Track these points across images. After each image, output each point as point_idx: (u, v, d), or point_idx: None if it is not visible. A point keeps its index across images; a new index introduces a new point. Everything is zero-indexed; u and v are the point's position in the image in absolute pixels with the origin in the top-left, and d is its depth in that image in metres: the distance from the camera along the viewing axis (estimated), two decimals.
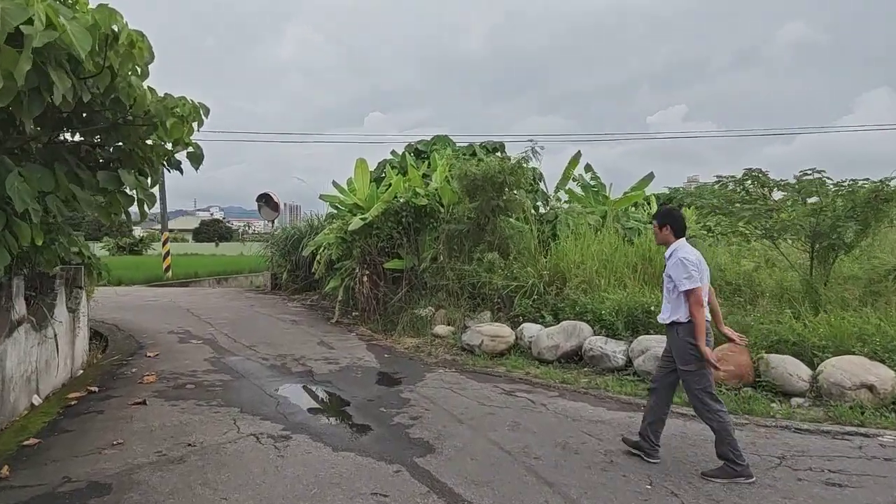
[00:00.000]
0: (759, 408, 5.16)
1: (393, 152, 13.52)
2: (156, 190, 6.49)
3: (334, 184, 11.56)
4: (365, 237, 9.82)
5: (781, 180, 7.52)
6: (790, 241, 8.24)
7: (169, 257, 18.27)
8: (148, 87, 5.35)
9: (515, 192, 9.16)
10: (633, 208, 12.63)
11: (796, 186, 7.01)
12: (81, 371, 6.78)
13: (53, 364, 6.01)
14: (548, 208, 11.78)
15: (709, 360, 3.64)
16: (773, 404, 5.33)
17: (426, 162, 11.78)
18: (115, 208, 5.80)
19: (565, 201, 12.43)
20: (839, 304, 6.79)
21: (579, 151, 12.44)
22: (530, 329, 7.33)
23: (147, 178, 6.44)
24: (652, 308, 6.60)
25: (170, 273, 17.85)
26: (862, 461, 3.99)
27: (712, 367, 3.68)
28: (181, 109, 5.13)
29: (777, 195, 7.79)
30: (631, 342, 6.41)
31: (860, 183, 7.02)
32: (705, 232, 12.93)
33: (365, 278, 9.81)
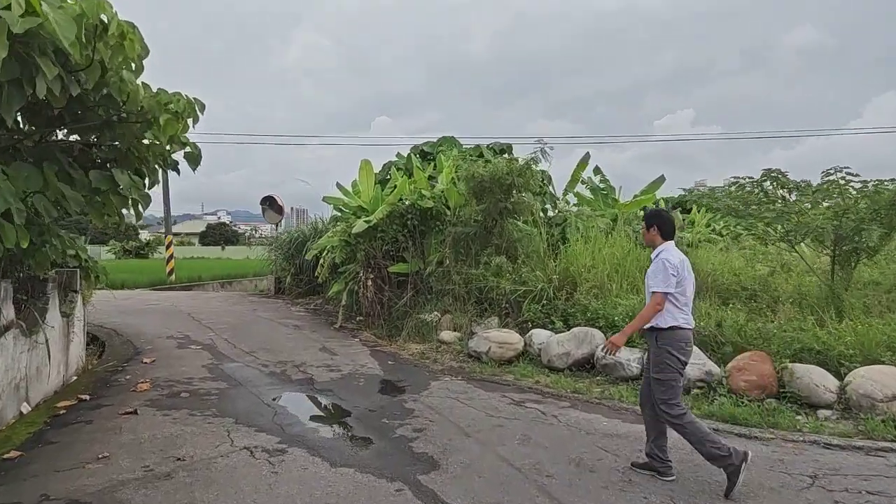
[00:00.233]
0: (785, 421, 4.85)
1: (398, 154, 13.30)
2: (159, 192, 6.26)
3: (338, 186, 11.34)
4: (369, 240, 9.58)
5: (802, 181, 7.22)
6: (810, 245, 7.94)
7: (172, 261, 18.10)
8: (142, 82, 5.15)
9: (524, 194, 8.90)
10: (642, 212, 12.33)
11: (821, 187, 6.69)
12: (75, 378, 6.56)
13: (45, 371, 5.79)
14: (556, 211, 11.51)
15: (615, 343, 3.75)
16: (799, 417, 5.03)
17: (432, 164, 11.54)
18: (108, 209, 5.59)
19: (574, 204, 12.16)
20: (862, 311, 6.48)
21: (588, 153, 12.17)
22: (540, 335, 7.05)
23: (144, 179, 6.24)
24: None
25: (173, 277, 17.68)
26: None
27: (610, 346, 3.78)
28: (175, 105, 4.90)
29: (790, 197, 7.50)
30: (646, 350, 6.11)
31: (885, 183, 6.71)
32: (718, 236, 12.68)
33: (369, 282, 9.57)
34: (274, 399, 5.45)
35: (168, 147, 5.94)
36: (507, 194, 8.66)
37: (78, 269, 7.18)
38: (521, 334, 7.28)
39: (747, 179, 7.39)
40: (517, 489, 3.51)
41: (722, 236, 12.85)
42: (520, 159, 8.95)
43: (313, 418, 4.98)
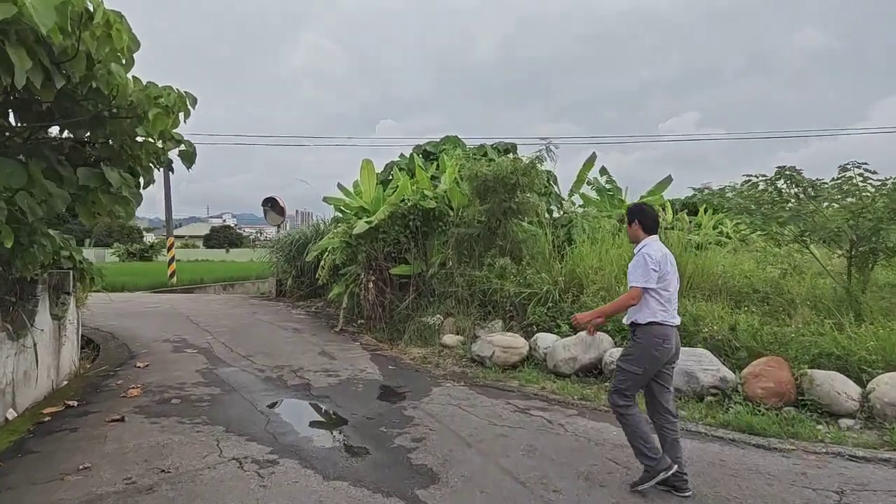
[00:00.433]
0: (805, 431, 4.59)
1: (402, 155, 13.09)
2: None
3: (339, 186, 11.13)
4: (371, 241, 9.36)
5: (817, 179, 6.96)
6: (819, 246, 7.68)
7: (174, 263, 17.95)
8: (133, 76, 4.96)
9: (528, 194, 8.67)
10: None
11: (837, 185, 6.43)
12: (66, 382, 6.37)
13: (33, 375, 5.60)
14: (562, 212, 11.28)
15: (577, 323, 3.75)
16: (820, 427, 4.76)
17: (435, 163, 11.32)
18: (99, 208, 5.40)
19: (579, 205, 11.93)
20: (881, 314, 6.20)
21: (594, 154, 11.97)
22: (545, 339, 6.81)
23: (138, 178, 6.05)
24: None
25: (174, 279, 17.52)
26: None
27: (583, 319, 3.73)
28: (166, 99, 4.70)
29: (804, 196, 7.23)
30: None
31: None
32: (726, 238, 12.38)
33: (370, 284, 9.35)
34: (268, 406, 5.23)
35: (161, 144, 5.76)
36: (512, 194, 8.43)
37: (71, 271, 7.00)
38: (525, 338, 7.04)
39: (760, 177, 7.13)
40: None
41: (729, 238, 12.57)
42: (524, 158, 8.73)
43: (308, 427, 4.75)
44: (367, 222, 9.12)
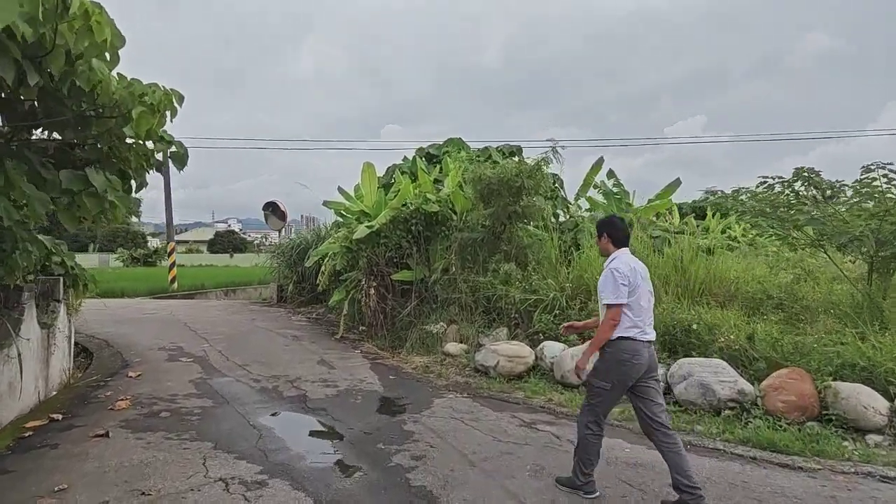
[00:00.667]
0: (831, 448, 4.30)
1: (405, 158, 12.87)
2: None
3: (340, 190, 10.90)
4: (372, 246, 9.12)
5: (836, 181, 6.67)
6: (844, 250, 7.39)
7: (174, 268, 17.76)
8: (118, 74, 4.74)
9: (534, 197, 8.40)
10: (654, 218, 11.79)
11: (860, 186, 6.14)
12: (55, 393, 6.14)
13: (18, 387, 5.36)
14: (568, 216, 11.01)
15: (580, 369, 3.53)
16: (846, 443, 4.47)
17: (438, 167, 11.08)
18: (83, 212, 5.17)
19: (586, 209, 11.66)
20: None
21: (602, 157, 11.69)
22: (552, 348, 6.53)
23: (130, 181, 5.84)
24: (693, 326, 5.77)
25: (175, 285, 17.32)
26: None
27: (581, 367, 3.54)
28: (150, 97, 4.47)
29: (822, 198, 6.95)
30: (670, 365, 5.57)
31: None
32: (734, 242, 12.08)
33: (372, 290, 9.10)
34: (261, 419, 4.97)
35: (151, 146, 5.55)
36: (517, 197, 8.17)
37: (61, 277, 6.78)
38: (531, 347, 6.77)
39: (777, 179, 6.84)
40: None
41: (738, 242, 12.29)
42: (530, 160, 8.47)
43: (301, 443, 4.48)
44: (368, 227, 8.88)
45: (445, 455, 4.16)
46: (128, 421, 4.88)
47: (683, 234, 10.03)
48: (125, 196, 5.18)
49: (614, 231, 3.60)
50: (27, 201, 4.52)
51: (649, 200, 11.74)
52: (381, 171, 11.95)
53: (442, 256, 8.82)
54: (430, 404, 5.54)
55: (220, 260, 44.77)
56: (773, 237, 7.58)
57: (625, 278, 3.35)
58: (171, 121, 4.77)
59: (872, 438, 4.53)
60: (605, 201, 11.71)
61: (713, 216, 14.12)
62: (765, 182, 6.99)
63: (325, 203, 10.67)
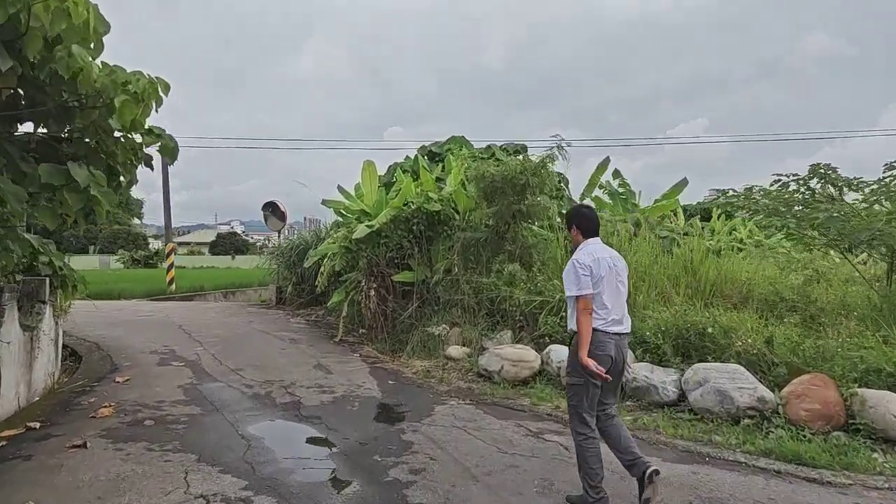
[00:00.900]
0: (860, 461, 4.00)
1: (407, 157, 12.60)
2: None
3: (339, 189, 10.62)
4: (372, 246, 8.85)
5: (855, 178, 6.38)
6: (857, 251, 7.11)
7: (172, 270, 17.50)
8: (102, 62, 4.48)
9: (539, 196, 8.11)
10: (658, 219, 11.49)
11: (884, 185, 5.84)
12: (37, 399, 5.87)
13: None
14: None
15: (589, 368, 3.18)
16: (876, 455, 4.17)
17: (440, 165, 10.81)
18: (66, 208, 4.90)
19: None
20: None
21: (608, 157, 11.42)
22: (559, 352, 6.22)
23: (119, 177, 5.58)
24: (709, 329, 5.47)
25: (173, 286, 17.06)
26: None
27: (600, 378, 3.20)
28: (134, 85, 4.21)
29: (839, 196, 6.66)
30: (683, 371, 5.28)
31: None
32: (740, 244, 11.79)
33: (372, 292, 8.82)
34: (250, 428, 4.69)
35: (139, 139, 5.29)
36: (521, 196, 7.88)
37: (47, 278, 6.51)
38: (537, 351, 6.47)
39: (792, 177, 6.55)
40: None
41: (744, 244, 12.01)
42: (535, 158, 8.18)
43: (292, 454, 4.19)
44: (368, 226, 8.61)
45: (446, 468, 3.87)
46: (109, 430, 4.60)
47: (689, 235, 9.76)
48: (109, 192, 4.90)
49: (583, 221, 3.56)
50: (2, 196, 4.26)
51: (655, 201, 11.45)
52: (383, 172, 11.70)
53: (444, 257, 8.54)
54: (430, 411, 5.25)
55: (221, 262, 44.57)
56: (785, 237, 7.28)
57: (586, 269, 3.30)
58: (157, 110, 4.51)
59: None
60: (610, 201, 11.43)
61: (718, 217, 13.83)
62: (779, 180, 6.69)
63: (324, 202, 10.39)
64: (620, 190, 11.77)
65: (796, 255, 9.11)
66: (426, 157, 11.47)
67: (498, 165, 8.05)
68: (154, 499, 3.31)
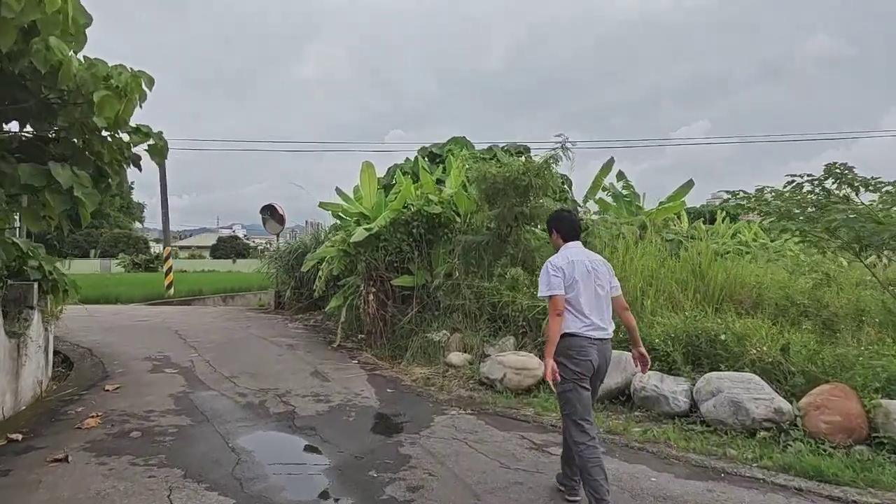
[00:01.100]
0: (887, 478, 3.75)
1: (407, 159, 12.41)
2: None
3: (337, 191, 10.42)
4: (371, 250, 8.63)
5: (872, 178, 6.14)
6: (874, 255, 6.87)
7: (171, 274, 17.32)
8: (84, 56, 4.30)
9: (542, 198, 7.89)
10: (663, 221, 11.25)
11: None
12: (23, 408, 5.66)
13: None
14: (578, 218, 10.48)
15: (547, 371, 3.21)
16: None
17: (441, 166, 10.60)
18: (48, 210, 4.71)
19: (594, 212, 11.15)
20: None
21: (612, 158, 11.18)
22: None
23: (108, 179, 5.39)
24: (721, 336, 5.25)
25: (172, 290, 16.88)
26: None
27: (550, 378, 3.24)
28: (116, 79, 4.02)
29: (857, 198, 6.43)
30: (695, 380, 5.04)
31: None
32: (745, 247, 11.56)
33: (371, 296, 8.60)
34: (241, 441, 4.47)
35: (126, 138, 5.10)
36: (524, 198, 7.66)
37: (35, 283, 6.32)
38: (541, 358, 6.24)
39: (806, 177, 6.31)
40: None
41: (748, 247, 11.78)
42: (538, 158, 7.97)
43: (283, 469, 3.97)
44: (366, 229, 8.40)
45: (446, 485, 3.65)
46: (93, 442, 4.38)
47: (693, 238, 9.55)
48: (94, 193, 4.71)
49: (561, 225, 3.59)
50: None
51: (660, 203, 11.22)
52: (383, 174, 11.51)
53: (445, 260, 8.32)
54: (430, 422, 5.03)
55: (222, 265, 44.42)
56: (800, 240, 7.05)
57: (558, 270, 3.32)
58: (140, 106, 4.31)
59: None
60: (615, 204, 11.21)
61: (723, 220, 13.61)
62: (793, 181, 6.45)
63: (322, 205, 10.19)
64: (624, 192, 11.55)
65: (805, 258, 8.89)
66: (426, 159, 11.27)
67: (500, 166, 7.84)
68: None
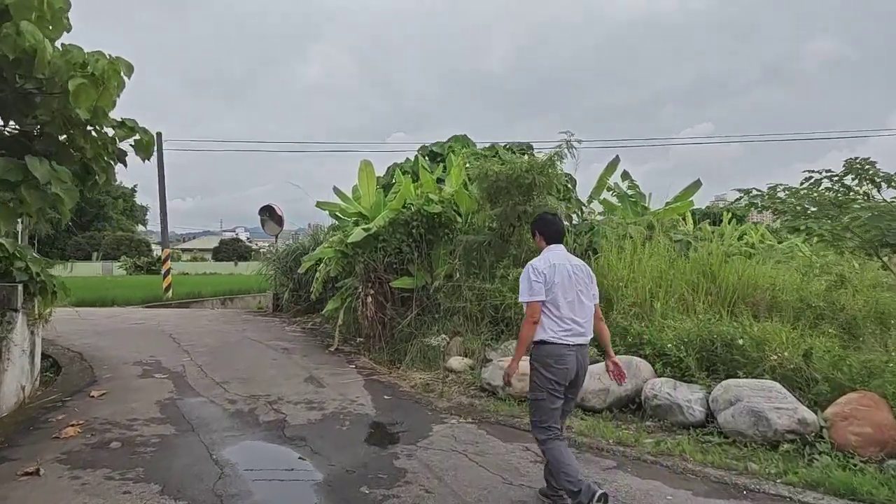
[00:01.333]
0: None
1: (407, 159, 12.13)
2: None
3: (335, 190, 10.14)
4: (369, 251, 8.36)
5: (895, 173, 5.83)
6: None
7: (169, 276, 17.08)
8: (63, 45, 4.04)
9: (546, 197, 7.60)
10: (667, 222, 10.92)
11: None
12: (5, 415, 5.40)
13: None
14: (581, 219, 10.20)
15: (508, 380, 3.45)
16: None
17: (441, 165, 10.32)
18: (25, 208, 4.45)
19: (599, 213, 10.86)
20: None
21: (617, 157, 10.87)
22: None
23: (94, 176, 5.13)
24: (739, 341, 4.94)
25: (170, 293, 16.63)
26: None
27: (505, 381, 3.48)
28: (92, 66, 3.75)
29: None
30: (711, 388, 4.75)
31: None
32: (751, 248, 11.25)
33: (369, 299, 8.32)
34: (226, 452, 4.19)
35: (111, 132, 4.84)
36: (527, 197, 7.37)
37: (20, 285, 6.06)
38: None
39: (825, 173, 6.00)
40: None
41: (755, 249, 11.48)
42: (541, 156, 7.69)
43: (268, 485, 3.69)
44: (364, 229, 8.12)
45: (444, 503, 3.35)
46: (69, 453, 4.11)
47: (699, 239, 9.26)
48: (73, 189, 4.44)
49: (545, 228, 3.57)
50: None
51: (667, 203, 10.92)
52: (383, 174, 11.23)
53: (445, 261, 8.03)
54: (428, 432, 4.74)
55: (224, 268, 44.23)
56: (818, 240, 6.76)
57: (539, 275, 3.28)
58: (118, 95, 4.04)
59: None
60: (620, 204, 10.91)
61: (729, 221, 13.33)
62: (810, 177, 6.15)
63: (319, 204, 9.92)
64: (630, 192, 11.25)
65: (817, 259, 8.59)
66: (427, 158, 10.99)
67: (502, 164, 7.56)
68: None
